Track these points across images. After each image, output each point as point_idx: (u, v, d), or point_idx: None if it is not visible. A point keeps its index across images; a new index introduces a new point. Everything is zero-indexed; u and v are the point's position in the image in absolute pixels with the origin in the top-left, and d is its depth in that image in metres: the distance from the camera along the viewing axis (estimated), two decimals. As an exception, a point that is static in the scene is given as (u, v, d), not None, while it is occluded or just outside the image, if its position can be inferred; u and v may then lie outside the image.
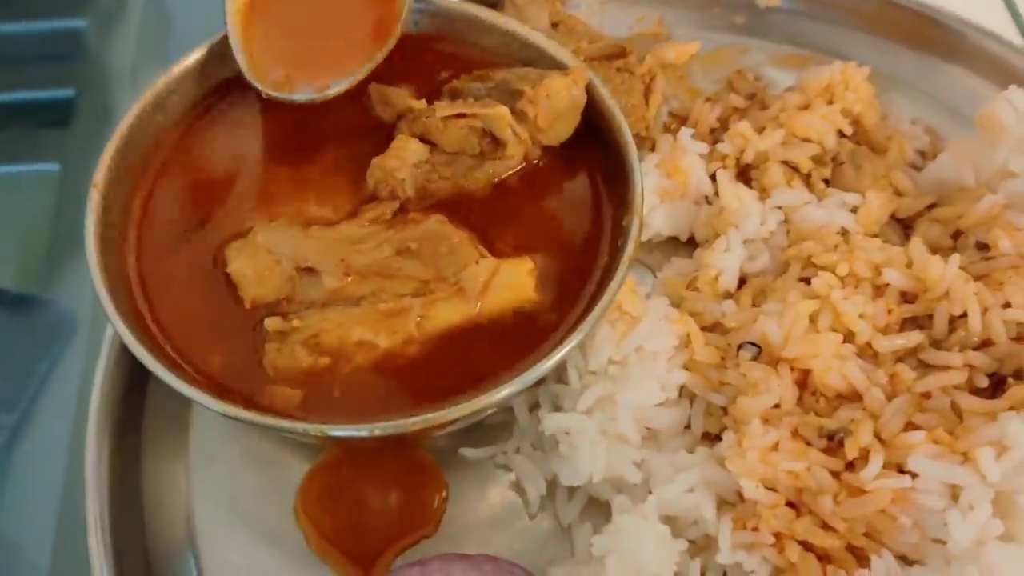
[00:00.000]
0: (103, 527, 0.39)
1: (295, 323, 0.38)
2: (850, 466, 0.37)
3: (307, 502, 0.42)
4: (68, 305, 0.61)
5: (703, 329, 0.42)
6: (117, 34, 0.79)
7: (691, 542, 0.38)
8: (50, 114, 0.74)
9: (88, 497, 0.40)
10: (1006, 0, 0.59)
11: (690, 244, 0.48)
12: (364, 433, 0.35)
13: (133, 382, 0.44)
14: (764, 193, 0.46)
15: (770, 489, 0.37)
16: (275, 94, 0.41)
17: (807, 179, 0.48)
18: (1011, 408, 0.36)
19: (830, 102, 0.49)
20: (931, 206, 0.47)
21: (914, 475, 0.36)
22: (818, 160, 0.48)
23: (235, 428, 0.44)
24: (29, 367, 0.57)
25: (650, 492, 0.39)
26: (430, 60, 0.44)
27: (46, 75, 0.77)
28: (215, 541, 0.41)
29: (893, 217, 0.47)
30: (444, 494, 0.42)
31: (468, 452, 0.42)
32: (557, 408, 0.41)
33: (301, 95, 0.42)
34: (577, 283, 0.40)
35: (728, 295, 0.44)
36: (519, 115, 0.41)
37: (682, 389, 0.40)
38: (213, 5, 0.88)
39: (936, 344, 0.40)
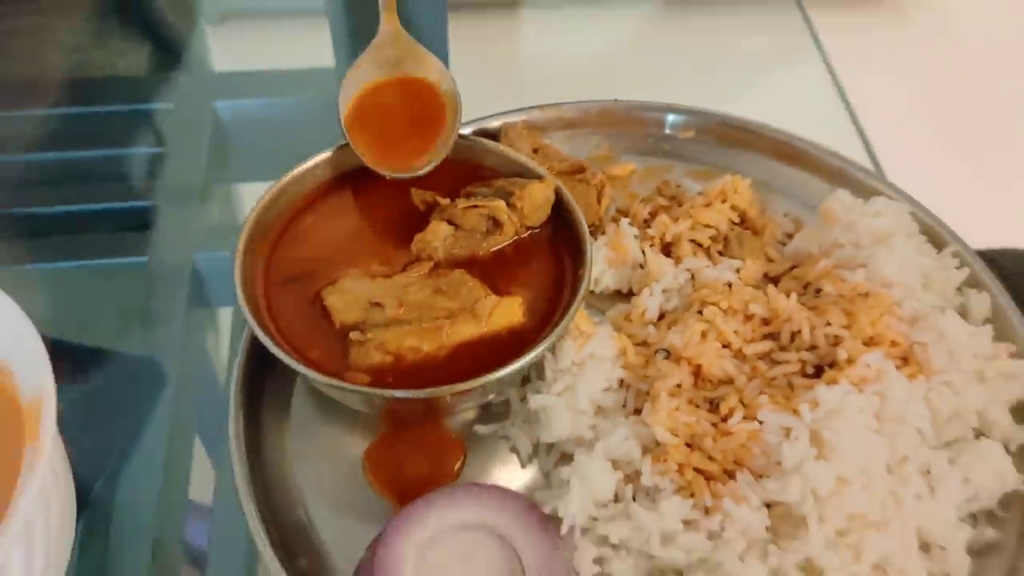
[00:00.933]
0: (249, 489, 0.57)
1: (369, 336, 0.58)
2: (723, 419, 0.56)
3: (370, 462, 0.61)
4: (161, 362, 0.81)
5: (634, 345, 0.63)
6: (190, 158, 1.01)
7: (626, 475, 0.57)
8: (136, 219, 0.95)
9: (236, 472, 0.58)
10: (856, 127, 0.82)
11: (628, 295, 0.68)
12: (413, 395, 0.54)
13: (253, 391, 0.63)
14: (678, 260, 0.67)
15: (674, 435, 0.56)
16: (392, 174, 0.63)
17: (707, 252, 0.69)
18: (824, 383, 0.57)
19: (724, 201, 0.71)
20: (792, 268, 0.68)
21: (761, 422, 0.55)
22: (715, 239, 0.69)
23: (319, 419, 0.64)
24: (130, 410, 0.76)
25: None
26: (451, 173, 0.66)
27: (133, 190, 0.99)
28: (313, 491, 0.60)
29: (766, 276, 0.68)
30: (463, 457, 0.61)
31: (480, 428, 0.62)
32: (538, 393, 0.60)
33: (402, 175, 0.64)
34: (549, 312, 0.60)
35: (651, 323, 0.64)
36: (512, 207, 0.62)
37: (621, 381, 0.60)
38: (265, 137, 1.11)
39: (782, 349, 0.60)
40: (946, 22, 3.00)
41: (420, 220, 0.64)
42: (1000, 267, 1.00)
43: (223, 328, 0.87)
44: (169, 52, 1.27)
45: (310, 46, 1.17)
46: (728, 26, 1.34)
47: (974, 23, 2.93)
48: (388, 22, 0.67)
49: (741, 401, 0.56)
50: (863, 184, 0.70)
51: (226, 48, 1.35)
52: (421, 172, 0.64)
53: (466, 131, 0.73)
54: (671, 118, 0.76)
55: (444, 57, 0.97)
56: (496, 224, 0.62)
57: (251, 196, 1.04)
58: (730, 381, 0.58)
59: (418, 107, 0.66)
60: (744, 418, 0.55)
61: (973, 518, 0.57)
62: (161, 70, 1.24)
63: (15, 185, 0.98)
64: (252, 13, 1.38)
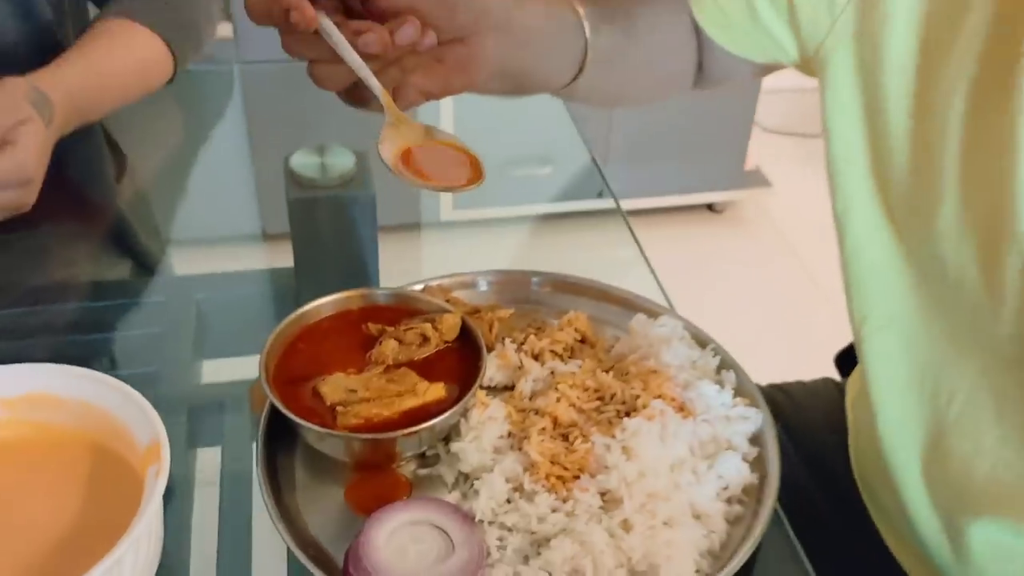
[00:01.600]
0: (281, 523, 0.87)
1: (348, 408, 0.91)
2: (571, 444, 0.91)
3: (349, 497, 0.92)
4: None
5: (516, 410, 0.97)
6: (181, 337, 1.33)
7: (514, 486, 0.90)
8: (142, 381, 1.26)
9: (270, 513, 0.87)
10: (653, 274, 1.23)
11: (512, 387, 1.04)
12: (377, 437, 0.87)
13: (271, 458, 0.94)
14: (543, 363, 1.04)
15: (542, 456, 0.90)
16: (452, 190, 0.81)
17: (561, 357, 1.06)
18: (630, 419, 0.92)
19: (570, 326, 1.09)
20: (614, 365, 1.05)
21: (593, 443, 0.91)
22: (565, 350, 1.06)
23: (314, 479, 0.94)
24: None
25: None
26: (394, 313, 1.03)
27: (137, 360, 1.31)
28: (316, 518, 0.90)
29: (598, 369, 1.05)
30: (410, 489, 0.93)
31: (419, 471, 0.94)
32: (457, 442, 0.93)
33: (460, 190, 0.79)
34: (461, 392, 0.95)
35: (527, 398, 0.99)
36: (435, 329, 0.99)
37: (509, 432, 0.95)
38: (237, 320, 1.46)
39: (605, 404, 0.96)
40: (774, 231, 3.64)
41: (374, 340, 0.99)
42: (789, 394, 1.41)
43: (214, 460, 1.16)
44: (145, 266, 1.64)
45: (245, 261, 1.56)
46: (580, 241, 1.80)
47: (799, 234, 3.57)
48: (390, 112, 0.77)
49: (581, 433, 0.92)
50: (655, 311, 1.10)
51: (185, 260, 1.72)
52: (472, 188, 0.81)
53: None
54: (535, 279, 1.16)
55: (376, 267, 1.35)
56: (425, 339, 0.98)
57: (229, 365, 1.37)
58: (575, 424, 0.94)
59: (450, 154, 0.83)
60: (583, 442, 0.91)
61: (728, 501, 0.92)
62: (141, 278, 1.60)
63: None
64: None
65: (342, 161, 1.32)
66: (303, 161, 1.32)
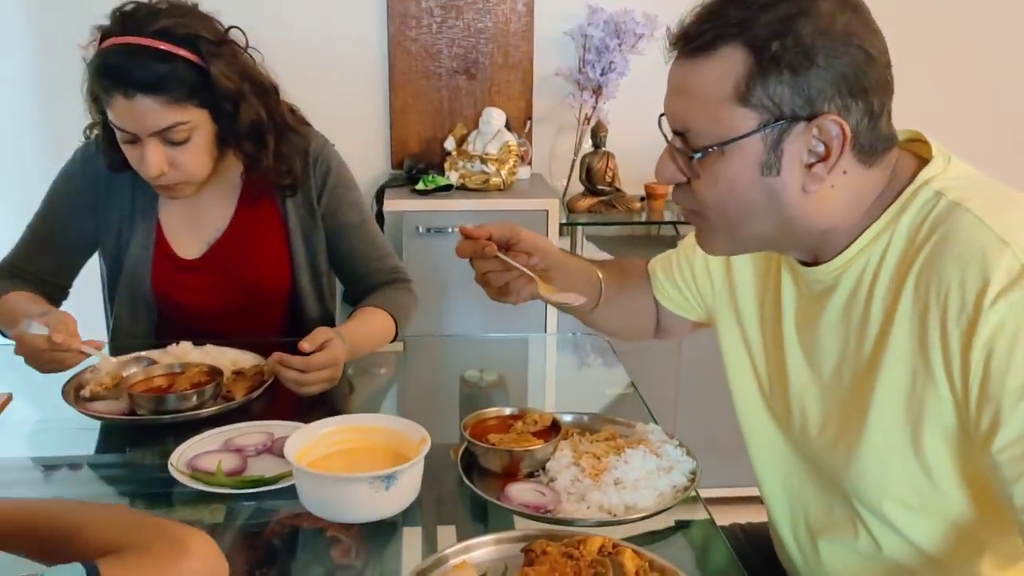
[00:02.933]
0: None
1: (501, 443, 2.01)
2: (599, 461, 1.97)
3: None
4: None
5: None
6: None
7: (574, 479, 1.95)
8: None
9: None
10: (652, 418, 2.33)
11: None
12: (513, 450, 1.95)
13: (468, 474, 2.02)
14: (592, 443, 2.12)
15: (588, 464, 1.96)
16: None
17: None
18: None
19: (604, 436, 2.18)
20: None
21: (610, 459, 1.96)
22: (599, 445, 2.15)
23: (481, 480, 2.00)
24: None
25: None
26: (518, 417, 2.15)
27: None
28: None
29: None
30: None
31: (531, 479, 2.01)
32: None
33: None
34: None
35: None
36: (541, 419, 2.10)
37: (572, 460, 2.01)
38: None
39: (619, 449, 2.03)
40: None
41: (512, 425, 2.12)
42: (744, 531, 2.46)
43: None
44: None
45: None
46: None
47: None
48: (540, 282, 2.18)
49: (607, 456, 2.00)
50: (647, 425, 2.20)
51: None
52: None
53: (523, 415, 2.26)
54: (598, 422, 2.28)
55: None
56: (535, 423, 2.10)
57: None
58: (605, 454, 2.01)
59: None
60: (605, 459, 1.98)
61: (674, 489, 1.95)
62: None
63: None
64: None
65: (490, 375, 2.54)
66: (472, 374, 2.55)
